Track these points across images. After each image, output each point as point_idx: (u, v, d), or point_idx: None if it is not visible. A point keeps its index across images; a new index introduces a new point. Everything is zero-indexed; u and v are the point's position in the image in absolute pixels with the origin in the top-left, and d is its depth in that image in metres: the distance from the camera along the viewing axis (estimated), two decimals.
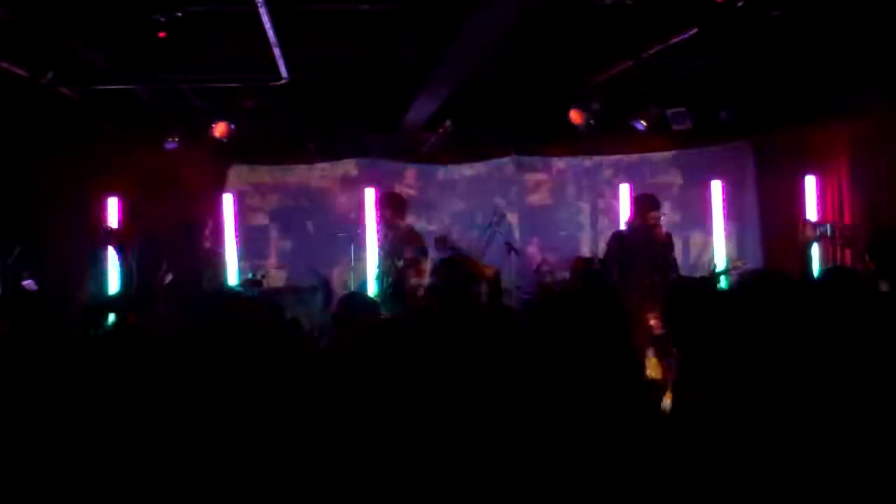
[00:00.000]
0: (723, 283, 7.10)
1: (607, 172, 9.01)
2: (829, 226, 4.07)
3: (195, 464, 2.16)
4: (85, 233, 7.97)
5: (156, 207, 8.08)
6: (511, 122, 8.51)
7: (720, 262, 8.48)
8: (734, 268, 7.46)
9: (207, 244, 7.24)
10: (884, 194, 6.88)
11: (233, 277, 8.34)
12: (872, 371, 2.77)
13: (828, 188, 7.93)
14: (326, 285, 5.93)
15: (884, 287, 3.85)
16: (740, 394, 2.58)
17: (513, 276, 7.93)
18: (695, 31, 5.58)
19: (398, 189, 8.57)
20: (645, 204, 6.95)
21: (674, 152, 8.99)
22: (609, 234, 7.47)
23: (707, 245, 8.89)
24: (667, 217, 7.39)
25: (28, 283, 6.73)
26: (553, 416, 2.22)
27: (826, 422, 2.49)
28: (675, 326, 3.28)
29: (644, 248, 6.77)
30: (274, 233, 8.81)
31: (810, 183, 8.05)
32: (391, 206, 7.34)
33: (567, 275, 7.66)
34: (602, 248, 7.71)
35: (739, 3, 4.97)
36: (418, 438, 2.39)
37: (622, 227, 7.40)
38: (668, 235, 7.05)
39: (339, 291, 6.68)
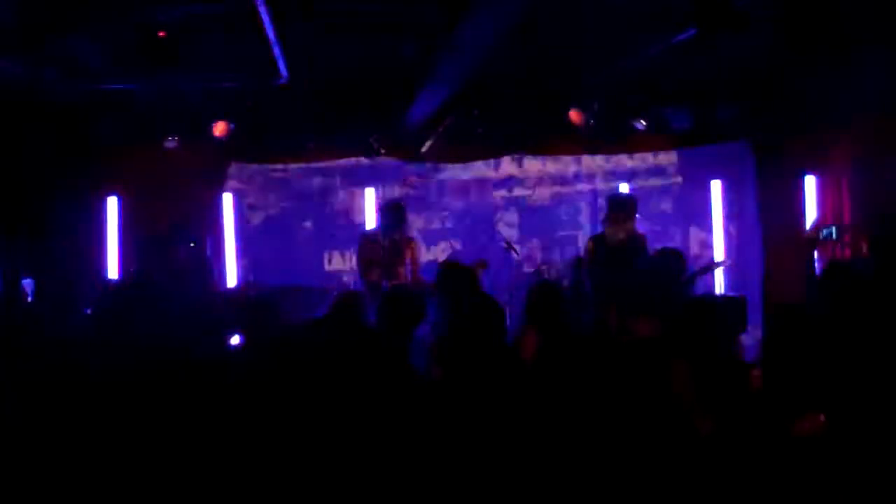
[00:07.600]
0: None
1: (607, 172, 8.99)
2: (833, 228, 4.03)
3: None
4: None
5: (155, 207, 8.09)
6: (511, 121, 8.50)
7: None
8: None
9: None
10: (884, 195, 6.86)
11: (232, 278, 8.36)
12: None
13: (828, 188, 7.93)
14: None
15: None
16: None
17: (512, 276, 7.93)
18: (695, 31, 5.57)
19: (398, 189, 8.58)
20: None
21: (674, 152, 8.98)
22: None
23: (706, 245, 8.88)
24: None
25: (27, 282, 6.72)
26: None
27: None
28: None
29: None
30: (273, 232, 8.79)
31: (810, 183, 8.04)
32: None
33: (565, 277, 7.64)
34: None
35: (739, 3, 4.97)
36: None
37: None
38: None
39: None
